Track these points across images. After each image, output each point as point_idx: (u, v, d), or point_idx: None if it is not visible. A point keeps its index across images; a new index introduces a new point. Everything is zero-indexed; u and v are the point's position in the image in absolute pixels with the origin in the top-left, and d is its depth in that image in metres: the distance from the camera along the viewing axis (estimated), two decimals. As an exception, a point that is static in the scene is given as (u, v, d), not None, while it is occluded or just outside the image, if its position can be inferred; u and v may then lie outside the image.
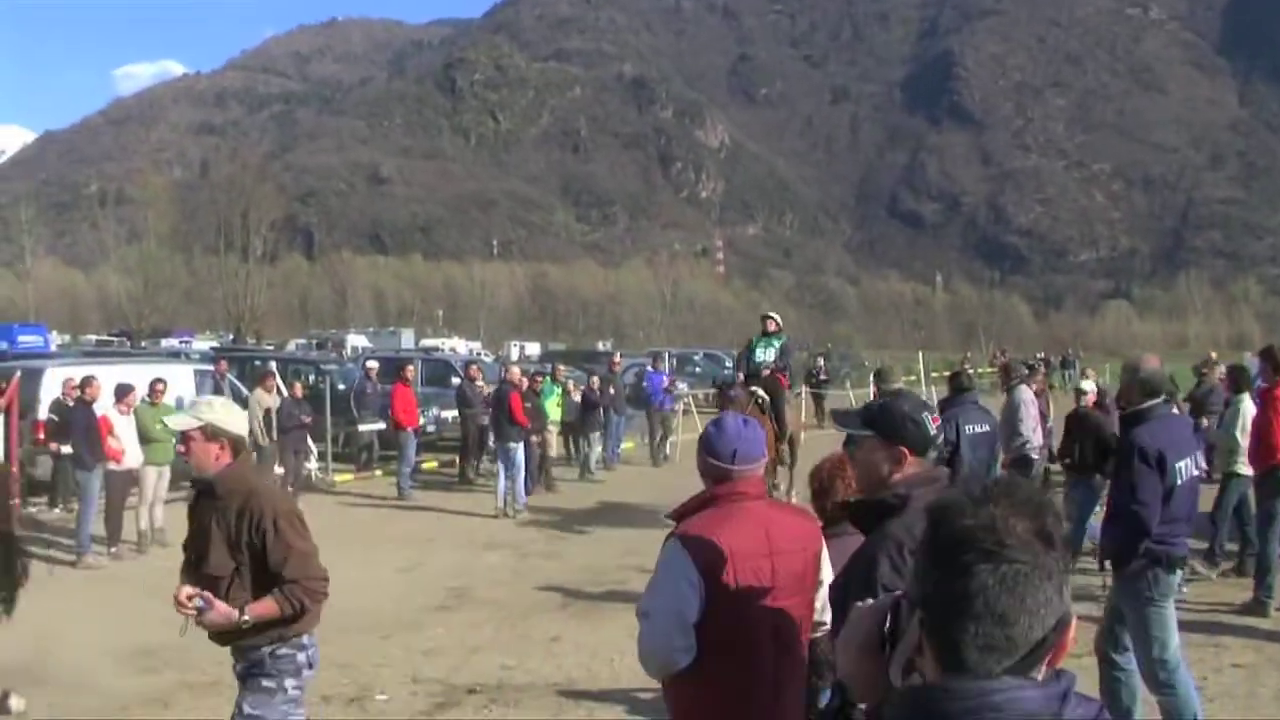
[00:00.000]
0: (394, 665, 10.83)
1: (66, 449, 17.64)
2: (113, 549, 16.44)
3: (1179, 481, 7.49)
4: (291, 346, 71.99)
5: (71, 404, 17.61)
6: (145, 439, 16.97)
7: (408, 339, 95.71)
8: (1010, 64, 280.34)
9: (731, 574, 4.45)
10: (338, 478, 23.24)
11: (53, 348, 58.21)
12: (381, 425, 23.47)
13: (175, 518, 17.07)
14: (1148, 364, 7.89)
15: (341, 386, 25.47)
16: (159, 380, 18.02)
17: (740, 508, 4.66)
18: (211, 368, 23.71)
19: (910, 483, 4.02)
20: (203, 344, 66.38)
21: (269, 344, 77.11)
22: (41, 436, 18.91)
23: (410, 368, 24.04)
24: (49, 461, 19.47)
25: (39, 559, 15.94)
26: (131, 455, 16.69)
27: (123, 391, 16.98)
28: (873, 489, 4.12)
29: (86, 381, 17.33)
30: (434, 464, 24.81)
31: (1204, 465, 8.84)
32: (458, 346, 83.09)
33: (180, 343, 71.24)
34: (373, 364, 26.59)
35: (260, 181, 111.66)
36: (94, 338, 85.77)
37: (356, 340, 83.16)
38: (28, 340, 56.23)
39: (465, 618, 12.80)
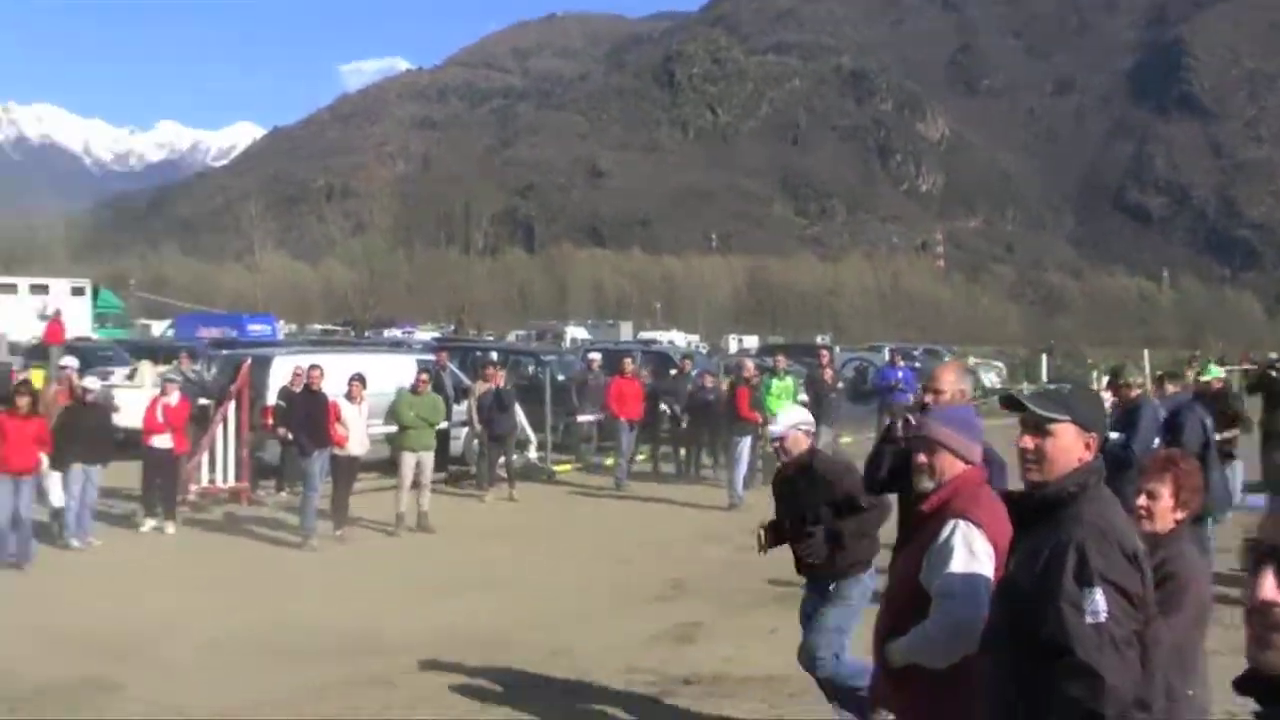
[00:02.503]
0: (611, 654, 10.80)
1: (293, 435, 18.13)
2: (339, 532, 16.84)
3: None
4: (511, 338, 72.97)
5: (298, 391, 18.09)
6: (403, 425, 17.46)
7: (626, 331, 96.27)
8: (1243, 51, 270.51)
9: (1000, 557, 4.65)
10: (557, 468, 23.48)
11: (280, 337, 59.94)
12: (600, 416, 23.69)
13: (371, 504, 17.59)
14: None
15: (561, 377, 25.74)
16: (424, 370, 18.68)
17: (989, 493, 5.02)
18: (433, 358, 24.13)
19: (1079, 473, 4.10)
20: (424, 335, 67.67)
21: (489, 335, 78.29)
22: (269, 422, 19.48)
23: (629, 360, 24.15)
24: (276, 446, 20.07)
25: (268, 542, 16.51)
26: (356, 442, 17.08)
27: (354, 380, 17.38)
28: (1063, 477, 4.08)
29: (312, 370, 17.82)
30: (644, 456, 24.87)
31: None
32: (676, 339, 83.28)
33: (403, 333, 72.79)
34: (595, 355, 26.81)
35: (481, 176, 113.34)
36: (319, 327, 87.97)
37: (575, 332, 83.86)
38: (257, 329, 57.96)
39: (683, 608, 12.80)
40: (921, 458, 5.32)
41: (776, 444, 8.24)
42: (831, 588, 7.97)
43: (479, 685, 9.80)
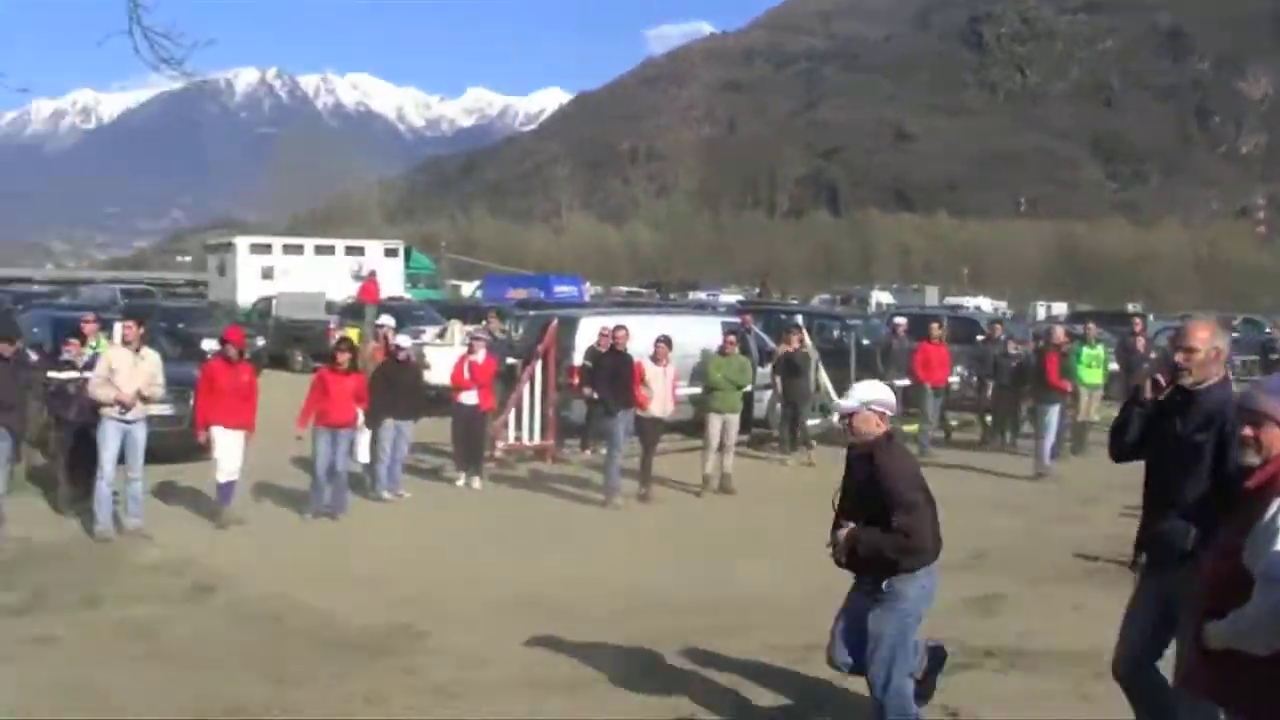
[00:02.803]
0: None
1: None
2: (643, 490, 16.99)
3: None
4: (815, 301, 72.69)
5: (604, 351, 18.25)
6: (711, 387, 17.54)
7: (931, 296, 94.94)
8: None
9: None
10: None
11: (586, 298, 60.90)
12: (907, 381, 23.29)
13: (675, 465, 17.62)
14: None
15: (866, 342, 25.42)
16: (732, 332, 18.81)
17: None
18: (738, 320, 24.09)
19: None
20: (729, 298, 67.93)
21: (792, 299, 78.10)
22: (575, 382, 19.73)
23: (935, 325, 23.67)
24: (582, 406, 20.34)
25: (572, 500, 16.73)
26: (660, 403, 17.14)
27: (659, 342, 17.43)
28: None
29: (618, 330, 17.94)
30: (954, 423, 24.35)
31: None
32: (982, 305, 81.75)
33: (707, 296, 73.21)
34: (901, 320, 26.42)
35: (786, 138, 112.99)
36: (625, 289, 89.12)
37: (880, 296, 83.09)
38: (563, 290, 59.11)
39: (984, 579, 12.47)
40: (1248, 431, 5.03)
41: (844, 421, 7.56)
42: (885, 585, 7.24)
43: (770, 650, 9.76)
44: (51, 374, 14.89)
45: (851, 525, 7.20)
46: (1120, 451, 6.68)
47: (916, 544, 7.10)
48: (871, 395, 7.44)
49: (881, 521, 7.08)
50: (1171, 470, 6.31)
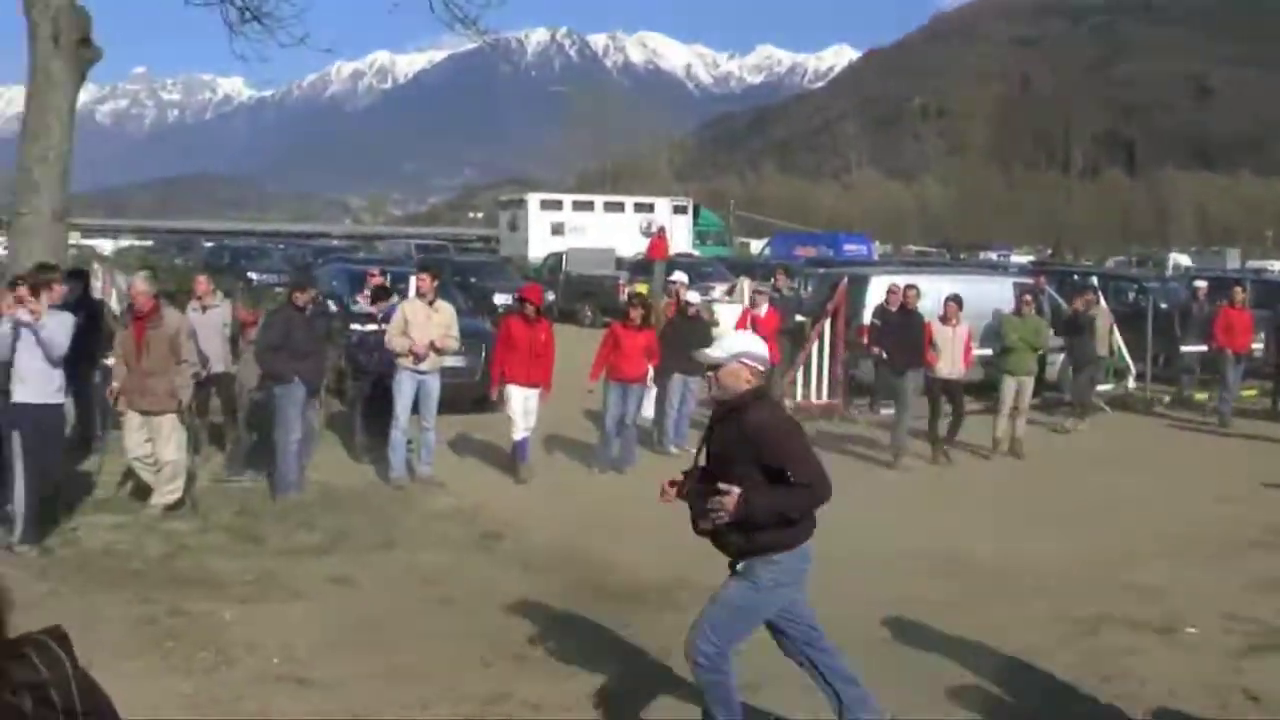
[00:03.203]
0: (1208, 598, 10.17)
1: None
2: (935, 450, 16.70)
3: None
4: (1109, 263, 70.55)
5: (894, 310, 17.96)
6: (1006, 349, 17.11)
7: (1233, 259, 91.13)
8: None
9: None
10: (1157, 399, 22.38)
11: (875, 257, 60.32)
12: (1204, 348, 22.33)
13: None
14: None
15: (1163, 306, 24.47)
16: (1027, 292, 18.21)
17: None
18: (1030, 281, 23.48)
19: None
20: (1020, 258, 66.47)
21: (1086, 261, 75.99)
22: (864, 340, 19.50)
23: (1239, 289, 22.59)
24: (870, 365, 20.10)
25: (859, 459, 16.55)
26: (948, 364, 16.75)
27: (949, 301, 17.04)
28: None
29: (908, 290, 17.62)
30: (1253, 391, 23.17)
31: None
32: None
33: (998, 256, 71.78)
34: (1201, 284, 25.37)
35: (1081, 95, 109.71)
36: (914, 248, 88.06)
37: (1178, 259, 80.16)
38: (852, 249, 58.60)
39: (1282, 558, 11.88)
40: None
41: (711, 375, 6.64)
42: (740, 566, 6.60)
43: (1034, 617, 9.55)
44: (353, 325, 15.32)
45: (735, 487, 6.28)
46: None
47: (822, 494, 6.54)
48: (742, 347, 6.59)
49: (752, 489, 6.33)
50: None
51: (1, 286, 11.41)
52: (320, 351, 13.41)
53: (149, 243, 60.97)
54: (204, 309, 14.61)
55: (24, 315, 10.30)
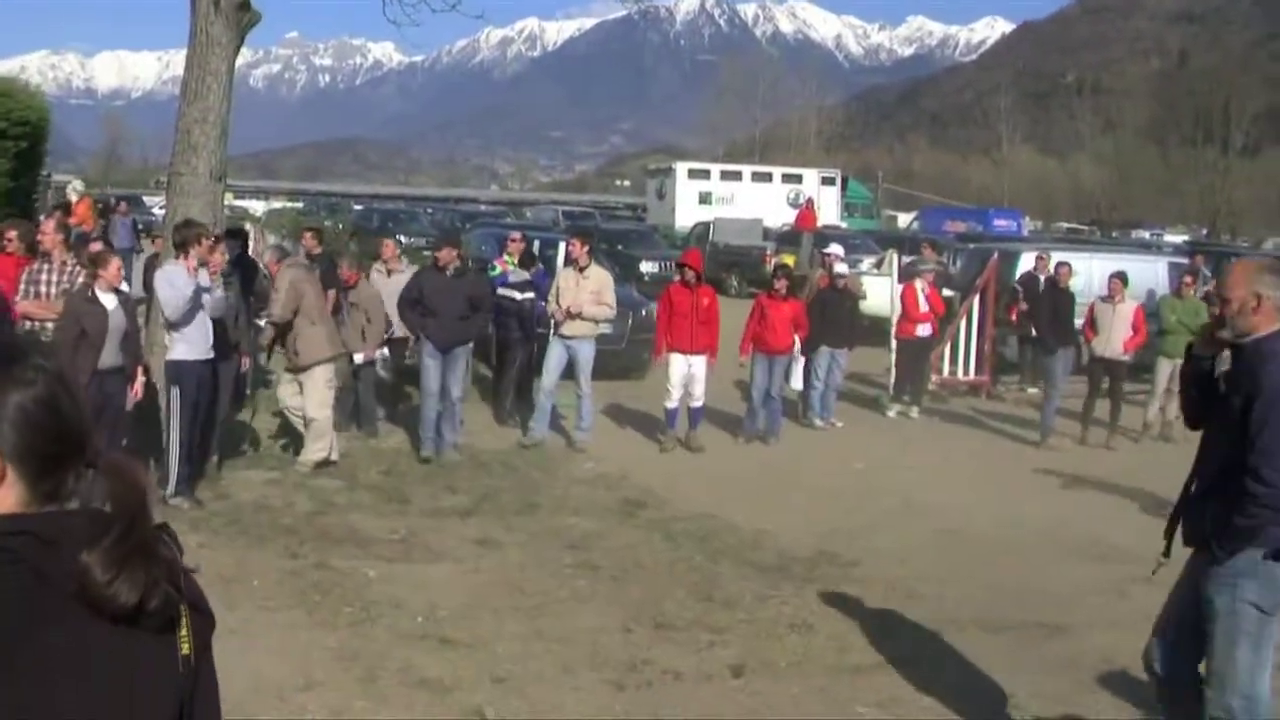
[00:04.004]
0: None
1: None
2: (1087, 432, 16.42)
3: None
4: (1268, 245, 68.72)
5: (1043, 288, 17.68)
6: (1163, 330, 16.64)
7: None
8: None
9: None
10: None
11: (1025, 233, 59.42)
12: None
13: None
14: None
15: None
16: (1188, 273, 17.80)
17: None
18: (1187, 261, 22.98)
19: None
20: (1173, 237, 65.06)
21: (1243, 241, 74.20)
22: (1014, 318, 19.22)
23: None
24: (1016, 342, 19.89)
25: (1005, 437, 16.34)
26: (1102, 343, 16.37)
27: (1114, 278, 16.60)
28: None
29: (1060, 267, 17.30)
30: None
31: None
32: None
33: (1150, 235, 70.35)
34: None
35: (1243, 71, 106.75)
36: (1065, 225, 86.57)
37: (1345, 240, 77.82)
38: (1002, 224, 57.78)
39: None
40: None
41: None
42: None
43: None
44: (501, 290, 15.38)
45: None
46: None
47: None
48: None
49: None
50: None
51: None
52: (454, 312, 13.38)
53: (299, 204, 61.91)
54: (389, 273, 14.81)
55: (205, 278, 10.54)
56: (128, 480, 1.99)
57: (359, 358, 13.91)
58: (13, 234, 11.59)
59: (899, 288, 18.36)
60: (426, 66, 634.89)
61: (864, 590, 9.23)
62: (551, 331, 14.09)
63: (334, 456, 12.25)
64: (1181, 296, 17.12)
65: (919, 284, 17.78)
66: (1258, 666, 5.28)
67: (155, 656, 2.01)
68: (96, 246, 12.82)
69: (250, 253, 15.87)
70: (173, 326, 10.38)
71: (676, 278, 15.14)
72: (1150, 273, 20.38)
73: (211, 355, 10.67)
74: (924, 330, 17.62)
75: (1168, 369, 16.57)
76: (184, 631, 2.08)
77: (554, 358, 14.00)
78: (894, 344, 18.05)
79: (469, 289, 13.41)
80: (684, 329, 14.24)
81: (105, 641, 1.93)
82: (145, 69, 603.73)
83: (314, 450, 12.11)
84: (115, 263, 10.39)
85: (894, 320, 18.17)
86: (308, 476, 11.89)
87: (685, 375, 14.33)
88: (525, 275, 15.80)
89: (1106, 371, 16.40)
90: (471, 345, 14.08)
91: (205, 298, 10.45)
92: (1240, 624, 5.24)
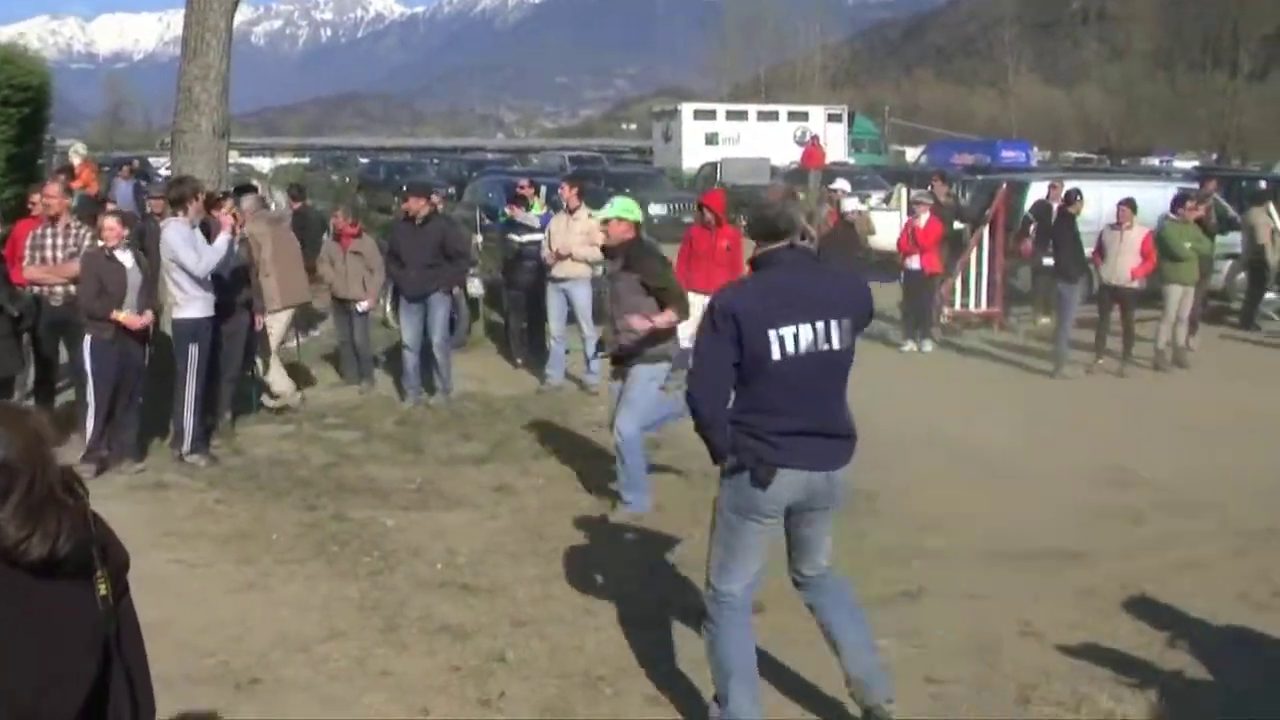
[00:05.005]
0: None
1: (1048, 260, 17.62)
2: (1100, 360, 16.38)
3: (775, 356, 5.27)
4: (1278, 169, 68.37)
5: (1055, 215, 17.58)
6: (1171, 257, 16.51)
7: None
8: None
9: None
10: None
11: (1034, 164, 59.17)
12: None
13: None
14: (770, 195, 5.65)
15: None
16: (1188, 197, 17.62)
17: None
18: (1197, 186, 22.82)
19: None
20: (1183, 163, 64.69)
21: (1254, 165, 73.79)
22: (1024, 249, 19.16)
23: None
24: (1028, 272, 19.84)
25: (1018, 368, 16.33)
26: (1109, 269, 16.25)
27: (1123, 205, 16.45)
28: None
29: (1070, 196, 17.19)
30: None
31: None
32: None
33: (1161, 162, 69.95)
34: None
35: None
36: (1074, 155, 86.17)
37: (1351, 163, 77.35)
38: (1010, 155, 57.57)
39: None
40: None
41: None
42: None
43: (1204, 530, 9.42)
44: (510, 236, 15.37)
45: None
46: None
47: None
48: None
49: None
50: None
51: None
52: (421, 261, 13.40)
53: (305, 160, 61.81)
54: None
55: (225, 234, 10.59)
56: (27, 430, 2.02)
57: (362, 306, 13.97)
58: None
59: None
60: (427, 18, 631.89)
61: (882, 523, 9.28)
62: (547, 276, 14.13)
63: (293, 404, 12.52)
64: (1184, 220, 16.85)
65: (919, 217, 17.67)
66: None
67: (75, 599, 2.10)
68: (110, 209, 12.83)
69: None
70: (180, 285, 10.40)
71: (694, 219, 15.09)
72: (1159, 199, 20.20)
73: (213, 313, 10.69)
74: (913, 264, 17.52)
75: (1178, 294, 16.48)
76: (100, 573, 2.16)
77: (554, 303, 14.10)
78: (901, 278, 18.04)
79: (437, 236, 13.42)
80: (702, 269, 14.17)
81: (25, 589, 2.01)
82: (146, 31, 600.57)
83: (270, 399, 12.51)
84: (107, 221, 10.35)
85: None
86: (322, 429, 11.95)
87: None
88: (534, 218, 15.76)
89: (1115, 299, 16.30)
90: (452, 293, 14.00)
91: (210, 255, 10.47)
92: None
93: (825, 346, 5.41)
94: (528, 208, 16.30)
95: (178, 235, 10.37)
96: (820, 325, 5.39)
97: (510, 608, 7.35)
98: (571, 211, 14.10)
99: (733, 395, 5.49)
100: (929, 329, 17.71)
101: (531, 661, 6.61)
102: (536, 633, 6.97)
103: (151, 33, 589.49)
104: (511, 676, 6.40)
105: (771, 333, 5.32)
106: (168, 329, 10.82)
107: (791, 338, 5.34)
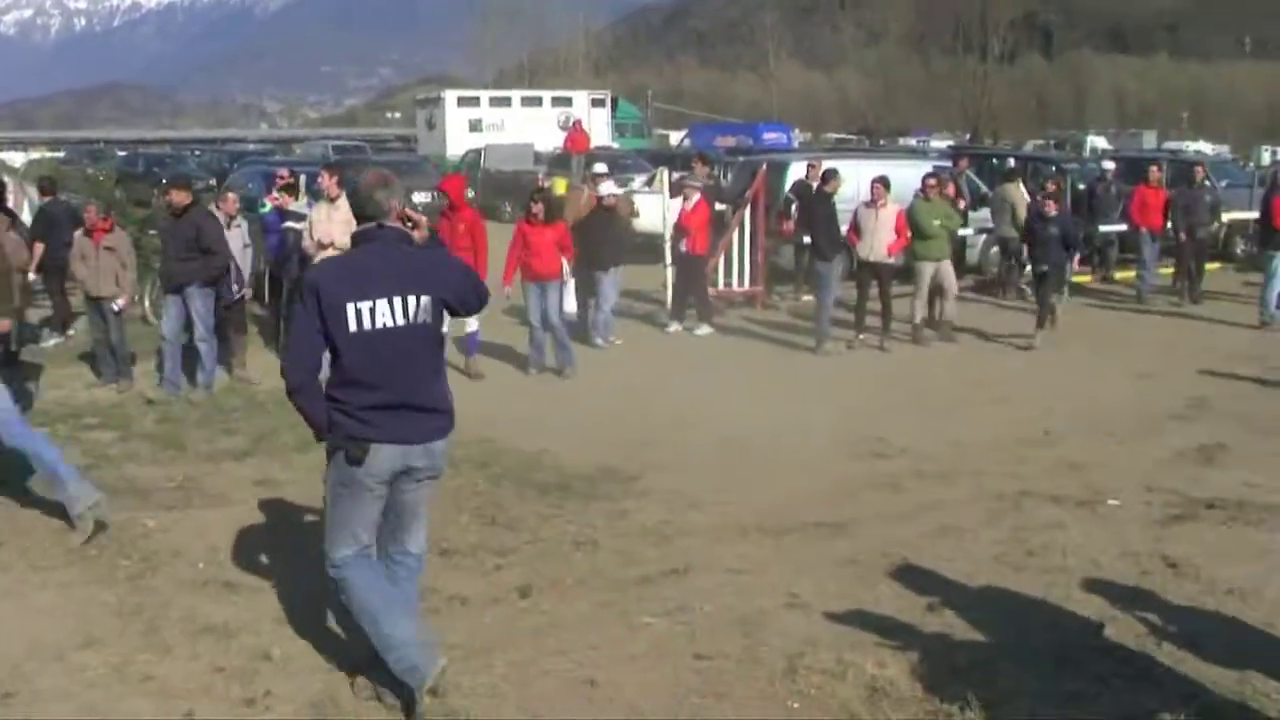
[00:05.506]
0: (1127, 472, 10.35)
1: (808, 239, 17.91)
2: (860, 336, 16.70)
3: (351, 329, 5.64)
4: (1028, 147, 70.68)
5: (813, 194, 17.88)
6: (920, 235, 16.83)
7: (1149, 141, 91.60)
8: None
9: None
10: (1075, 279, 22.49)
11: (795, 145, 60.26)
12: (1121, 227, 22.44)
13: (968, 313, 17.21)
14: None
15: (1081, 187, 24.51)
16: (931, 176, 18.04)
17: None
18: (950, 165, 23.47)
19: None
20: (939, 143, 66.57)
21: (1005, 143, 76.30)
22: (785, 227, 19.48)
23: (1155, 169, 22.55)
24: (791, 251, 20.19)
25: (782, 346, 16.58)
26: (865, 247, 16.58)
27: (875, 183, 16.71)
28: None
29: (827, 175, 17.48)
30: (1171, 271, 23.21)
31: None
32: (1203, 150, 78.59)
33: (918, 142, 71.86)
34: (1109, 165, 25.52)
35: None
36: (834, 136, 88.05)
37: (1095, 141, 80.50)
38: (772, 137, 58.56)
39: (1205, 429, 12.04)
40: None
41: None
42: None
43: (982, 496, 9.64)
44: (289, 225, 15.10)
45: None
46: None
47: None
48: None
49: None
50: None
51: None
52: (175, 253, 13.22)
53: (60, 154, 59.90)
54: (230, 225, 14.37)
55: None
56: None
57: (116, 305, 13.57)
58: None
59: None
60: (186, 5, 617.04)
61: (646, 503, 9.34)
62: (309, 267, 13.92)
63: None
64: (929, 199, 17.24)
65: (688, 200, 17.80)
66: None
67: None
68: None
69: (10, 205, 15.38)
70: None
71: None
72: (915, 177, 20.70)
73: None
74: (682, 246, 17.71)
75: (929, 270, 16.90)
76: None
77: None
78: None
79: (192, 230, 13.18)
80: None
81: None
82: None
83: None
84: None
85: (667, 237, 18.31)
86: (79, 429, 11.57)
87: None
88: (303, 209, 15.44)
89: (873, 275, 16.67)
90: (211, 286, 13.62)
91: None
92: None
93: (403, 321, 5.63)
94: (297, 196, 16.01)
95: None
96: (398, 300, 5.62)
97: (274, 605, 7.21)
98: (333, 200, 13.90)
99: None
100: (706, 312, 17.80)
101: (297, 658, 6.49)
102: (301, 629, 6.85)
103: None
104: (277, 674, 6.28)
105: (350, 306, 5.56)
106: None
107: (368, 311, 5.58)
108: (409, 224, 5.89)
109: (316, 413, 5.75)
